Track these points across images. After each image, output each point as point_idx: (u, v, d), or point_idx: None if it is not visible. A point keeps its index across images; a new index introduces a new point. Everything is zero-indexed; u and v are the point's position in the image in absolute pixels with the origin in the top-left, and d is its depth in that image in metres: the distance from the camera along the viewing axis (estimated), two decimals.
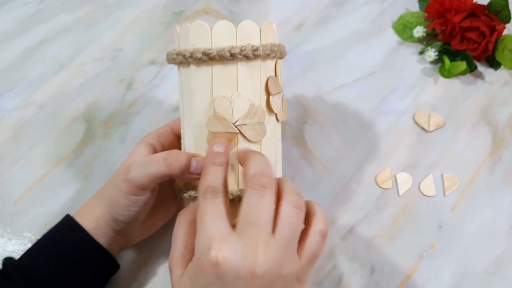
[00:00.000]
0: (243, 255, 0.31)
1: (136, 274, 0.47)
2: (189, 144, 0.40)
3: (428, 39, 0.61)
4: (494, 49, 0.58)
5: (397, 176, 0.52)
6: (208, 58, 0.36)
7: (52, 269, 0.39)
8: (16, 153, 0.54)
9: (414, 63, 0.60)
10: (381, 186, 0.52)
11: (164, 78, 0.59)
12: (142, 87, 0.58)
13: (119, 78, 0.59)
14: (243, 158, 0.36)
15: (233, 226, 0.33)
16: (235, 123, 0.37)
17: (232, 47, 0.36)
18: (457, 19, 0.57)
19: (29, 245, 0.45)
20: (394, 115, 0.56)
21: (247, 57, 0.37)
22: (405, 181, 0.52)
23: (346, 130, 0.55)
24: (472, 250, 0.48)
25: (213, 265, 0.30)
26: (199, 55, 0.36)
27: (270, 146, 0.40)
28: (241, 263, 0.30)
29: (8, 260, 0.41)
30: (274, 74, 0.40)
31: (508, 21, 0.57)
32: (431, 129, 0.55)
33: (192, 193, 0.39)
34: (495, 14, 0.57)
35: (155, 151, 0.42)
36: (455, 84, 0.58)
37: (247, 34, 0.37)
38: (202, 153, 0.39)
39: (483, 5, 0.57)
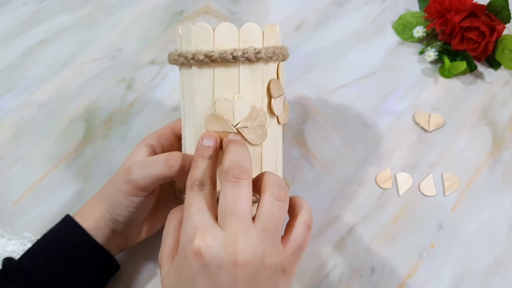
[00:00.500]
0: (224, 244, 0.31)
1: (136, 274, 0.47)
2: (189, 145, 0.40)
3: (428, 39, 0.61)
4: (494, 49, 0.58)
5: (397, 176, 0.52)
6: (210, 60, 0.36)
7: (52, 269, 0.40)
8: (16, 153, 0.54)
9: (414, 63, 0.60)
10: (381, 186, 0.52)
11: (164, 78, 0.59)
12: (142, 87, 0.58)
13: (119, 78, 0.59)
14: (224, 149, 0.36)
15: None
16: (236, 125, 0.37)
17: (235, 50, 0.36)
18: (457, 19, 0.57)
19: (29, 245, 0.45)
20: (394, 115, 0.56)
21: (249, 60, 0.36)
22: (405, 181, 0.52)
23: (346, 130, 0.55)
24: (472, 250, 0.48)
25: (196, 254, 0.31)
26: (201, 57, 0.36)
27: (271, 148, 0.40)
28: (222, 251, 0.31)
29: (8, 260, 0.41)
30: (276, 77, 0.39)
31: (508, 21, 0.57)
32: (431, 129, 0.55)
33: None
34: (495, 14, 0.57)
35: (155, 152, 0.42)
36: (455, 84, 0.58)
37: (250, 37, 0.37)
38: None
39: (483, 5, 0.57)
